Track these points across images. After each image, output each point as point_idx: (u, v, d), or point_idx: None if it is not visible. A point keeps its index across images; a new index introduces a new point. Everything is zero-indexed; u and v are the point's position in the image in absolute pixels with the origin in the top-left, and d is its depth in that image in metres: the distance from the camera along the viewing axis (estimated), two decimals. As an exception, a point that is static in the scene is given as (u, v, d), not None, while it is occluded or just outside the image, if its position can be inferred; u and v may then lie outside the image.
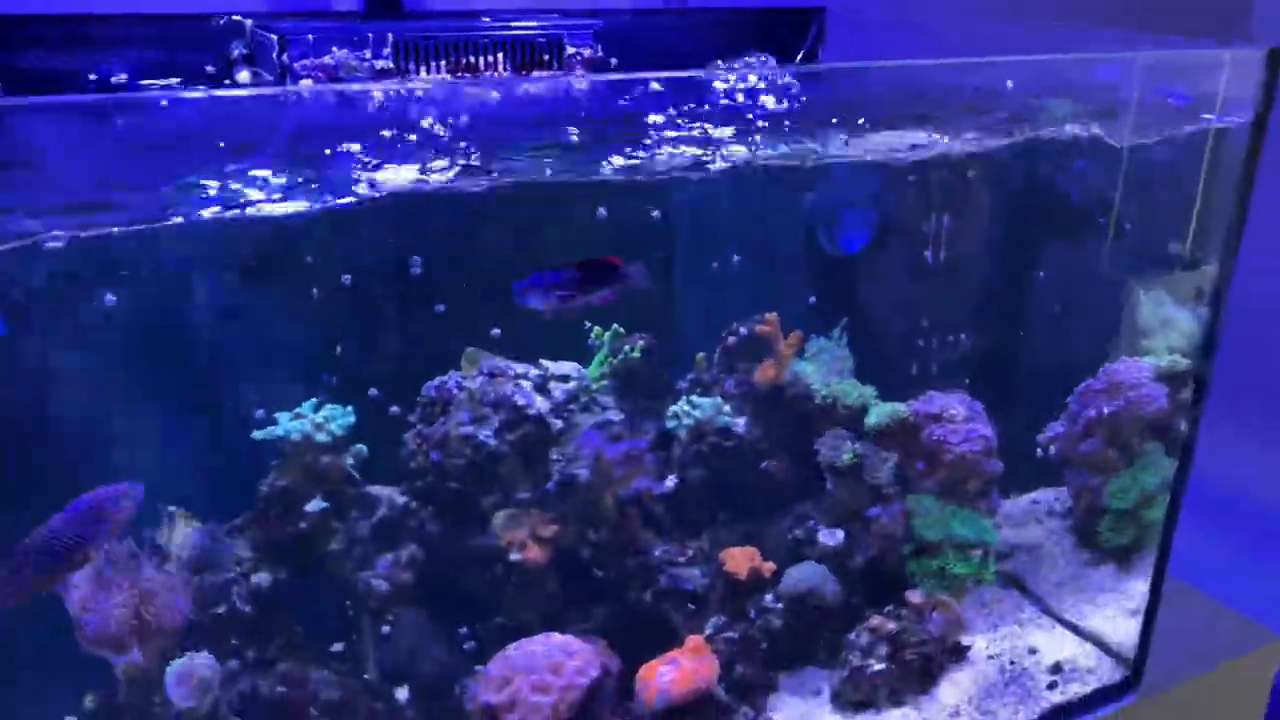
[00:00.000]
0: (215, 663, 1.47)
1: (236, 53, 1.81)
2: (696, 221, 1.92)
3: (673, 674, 1.61)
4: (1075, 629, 2.03)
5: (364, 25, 1.79)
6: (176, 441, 1.59)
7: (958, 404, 1.94)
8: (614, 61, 2.00)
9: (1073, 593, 2.10)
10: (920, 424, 1.92)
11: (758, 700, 1.75)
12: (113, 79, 1.71)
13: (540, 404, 1.54)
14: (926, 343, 2.12)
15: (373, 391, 1.66)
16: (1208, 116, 1.79)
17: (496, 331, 1.73)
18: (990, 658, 1.94)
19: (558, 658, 1.55)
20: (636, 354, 1.76)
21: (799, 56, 2.33)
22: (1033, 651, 1.96)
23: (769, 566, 1.72)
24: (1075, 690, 1.88)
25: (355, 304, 1.66)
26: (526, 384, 1.55)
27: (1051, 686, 1.88)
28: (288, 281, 1.67)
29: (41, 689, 1.50)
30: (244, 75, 1.81)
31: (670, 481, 1.64)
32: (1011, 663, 1.94)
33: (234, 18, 1.79)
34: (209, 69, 1.79)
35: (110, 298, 1.54)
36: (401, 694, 1.61)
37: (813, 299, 2.08)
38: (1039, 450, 2.14)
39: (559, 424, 1.58)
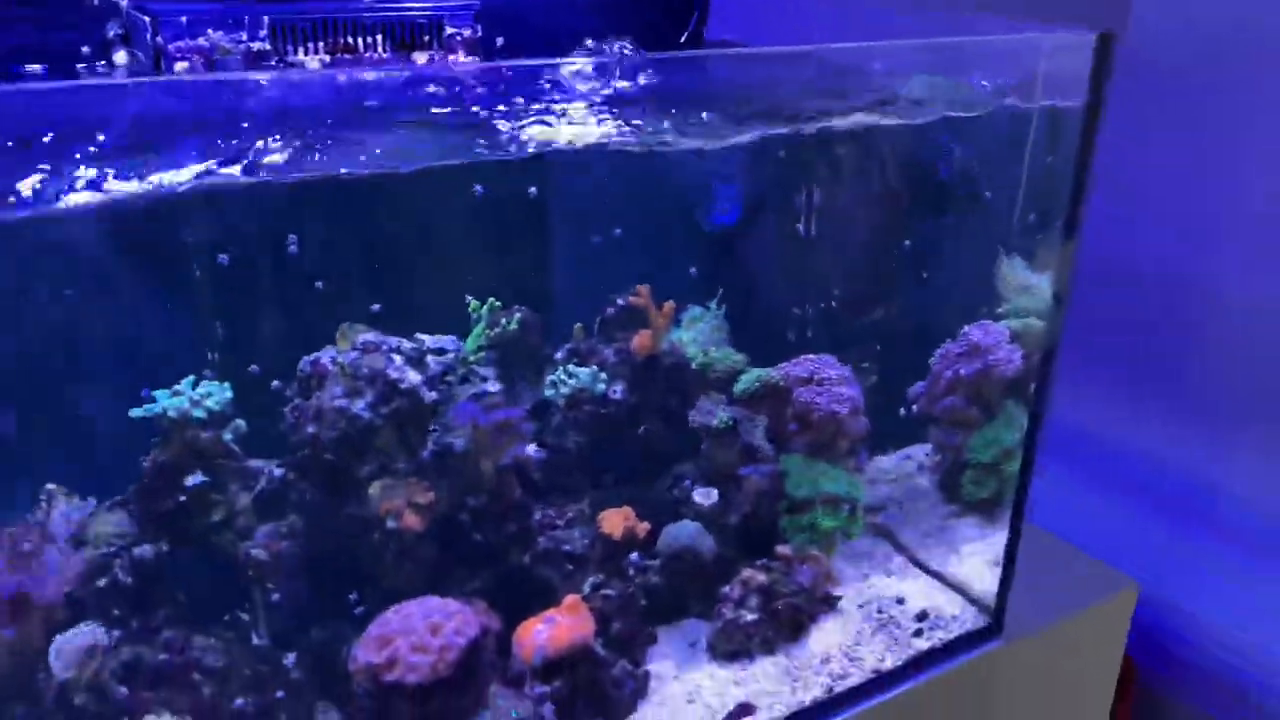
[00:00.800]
0: (100, 633, 1.49)
1: (112, 33, 1.79)
2: (573, 199, 1.96)
3: (549, 631, 1.67)
4: (940, 578, 2.13)
5: (240, 7, 1.78)
6: (58, 423, 1.60)
7: (826, 367, 2.02)
8: (500, 41, 2.03)
9: (938, 544, 2.20)
10: (790, 386, 2.00)
11: (637, 653, 1.83)
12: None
13: (413, 376, 1.57)
14: (800, 311, 2.20)
15: (253, 368, 1.68)
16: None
17: (376, 307, 1.75)
18: (860, 607, 2.04)
19: (436, 619, 1.60)
20: (514, 326, 1.80)
21: (683, 37, 2.37)
22: (900, 601, 2.06)
23: (643, 526, 1.78)
24: (940, 636, 1.98)
25: (234, 284, 1.68)
26: (399, 358, 1.58)
27: (918, 634, 1.98)
28: (167, 263, 1.68)
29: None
30: (120, 56, 1.80)
31: (532, 449, 1.68)
32: (880, 611, 2.03)
33: (111, -2, 1.78)
34: (84, 49, 1.78)
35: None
36: (288, 659, 1.64)
37: (693, 270, 2.14)
38: (902, 409, 2.23)
39: (433, 395, 1.62)
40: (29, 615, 1.45)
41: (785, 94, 2.06)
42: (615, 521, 1.77)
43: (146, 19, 1.71)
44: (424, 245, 1.87)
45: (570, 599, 1.69)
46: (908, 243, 2.21)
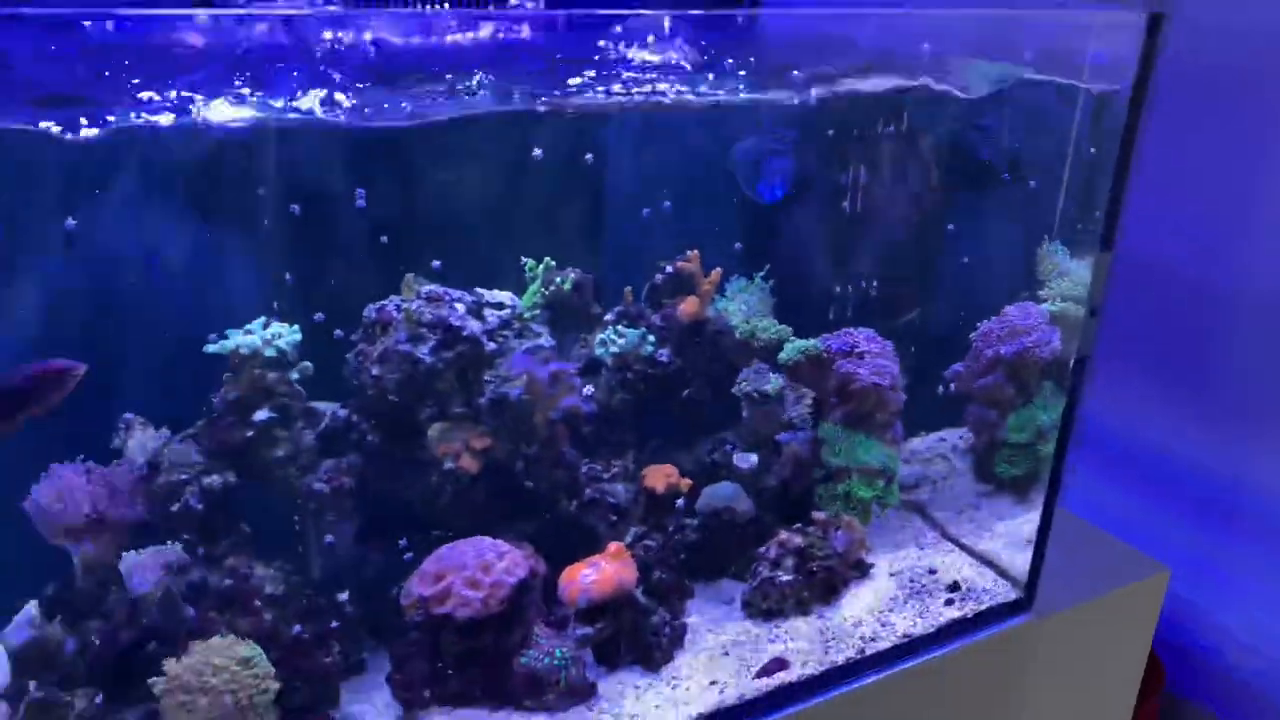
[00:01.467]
0: (172, 553, 1.56)
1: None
2: (630, 166, 2.02)
3: (595, 575, 1.72)
4: (972, 553, 2.16)
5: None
6: (136, 355, 1.68)
7: (866, 341, 2.06)
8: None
9: (971, 521, 2.23)
10: (832, 358, 2.04)
11: (675, 605, 1.87)
12: None
13: (474, 325, 1.63)
14: (846, 286, 2.24)
15: (319, 315, 1.74)
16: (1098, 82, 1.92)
17: (437, 263, 1.81)
18: (892, 575, 2.07)
19: (488, 557, 1.65)
20: (567, 286, 1.86)
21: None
22: (932, 571, 2.09)
23: (685, 482, 1.83)
24: (971, 608, 2.01)
25: (304, 233, 1.75)
26: (461, 307, 1.64)
27: (949, 604, 2.01)
28: (241, 210, 1.75)
29: (8, 579, 1.58)
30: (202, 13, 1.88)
31: (588, 391, 1.73)
32: (911, 580, 2.07)
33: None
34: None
35: (71, 221, 1.62)
36: (343, 593, 1.70)
37: (739, 245, 2.19)
38: (940, 387, 2.26)
39: (492, 346, 1.67)
40: (104, 533, 1.52)
41: (830, 60, 2.11)
42: (658, 477, 1.82)
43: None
44: (484, 202, 1.93)
45: (615, 546, 1.74)
46: (951, 223, 2.25)
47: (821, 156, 2.15)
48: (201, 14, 1.39)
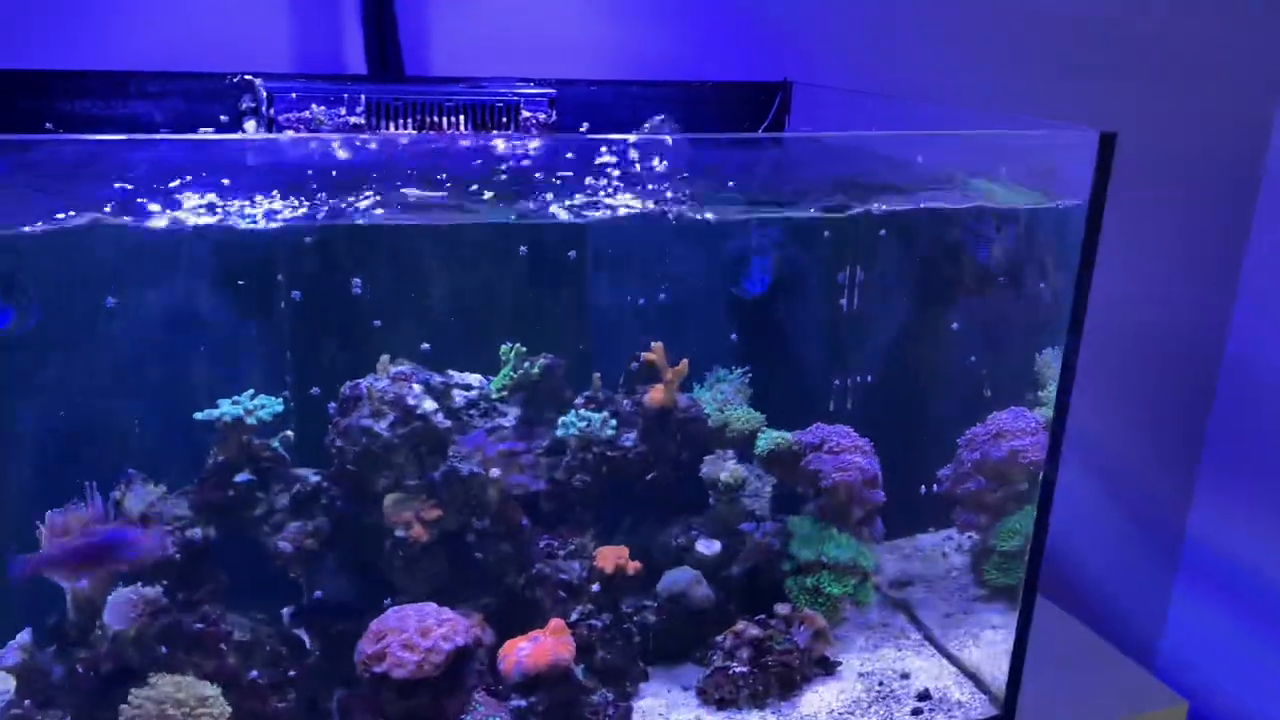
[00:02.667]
0: (152, 595, 1.73)
1: (245, 105, 2.12)
2: (613, 263, 2.12)
3: (531, 649, 1.78)
4: (954, 660, 2.09)
5: (341, 86, 2.07)
6: (147, 421, 1.89)
7: (840, 436, 2.05)
8: (584, 126, 2.24)
9: (958, 626, 2.15)
10: (802, 452, 2.04)
11: (626, 686, 1.90)
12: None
13: (428, 405, 1.75)
14: (836, 383, 2.24)
15: (314, 390, 1.91)
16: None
17: (426, 346, 1.96)
18: (861, 676, 2.02)
19: (428, 623, 1.74)
20: (535, 371, 1.96)
21: (762, 128, 2.50)
22: (905, 676, 2.03)
23: (634, 565, 1.86)
24: None
25: (307, 317, 1.93)
26: (418, 388, 1.76)
27: (916, 713, 1.94)
28: (250, 293, 1.95)
29: (17, 607, 1.79)
30: (250, 125, 2.12)
31: (530, 480, 1.82)
32: (881, 684, 2.01)
33: (245, 76, 2.10)
34: (223, 118, 2.11)
35: (110, 299, 1.86)
36: (306, 643, 1.83)
37: (734, 336, 2.24)
38: (928, 489, 2.21)
39: (447, 424, 1.79)
40: (94, 573, 1.71)
41: (828, 176, 2.16)
42: (609, 557, 1.86)
43: (265, 94, 2.03)
44: (477, 293, 2.07)
45: (555, 622, 1.79)
46: (943, 325, 2.22)
47: (816, 260, 2.19)
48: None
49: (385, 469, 1.77)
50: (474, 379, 1.90)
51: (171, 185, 1.77)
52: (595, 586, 1.89)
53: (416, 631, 1.73)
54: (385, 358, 1.83)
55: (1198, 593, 2.85)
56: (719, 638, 1.94)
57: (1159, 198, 2.75)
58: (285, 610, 1.91)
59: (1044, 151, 1.91)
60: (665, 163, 1.93)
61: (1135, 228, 2.69)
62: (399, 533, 1.75)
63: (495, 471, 1.77)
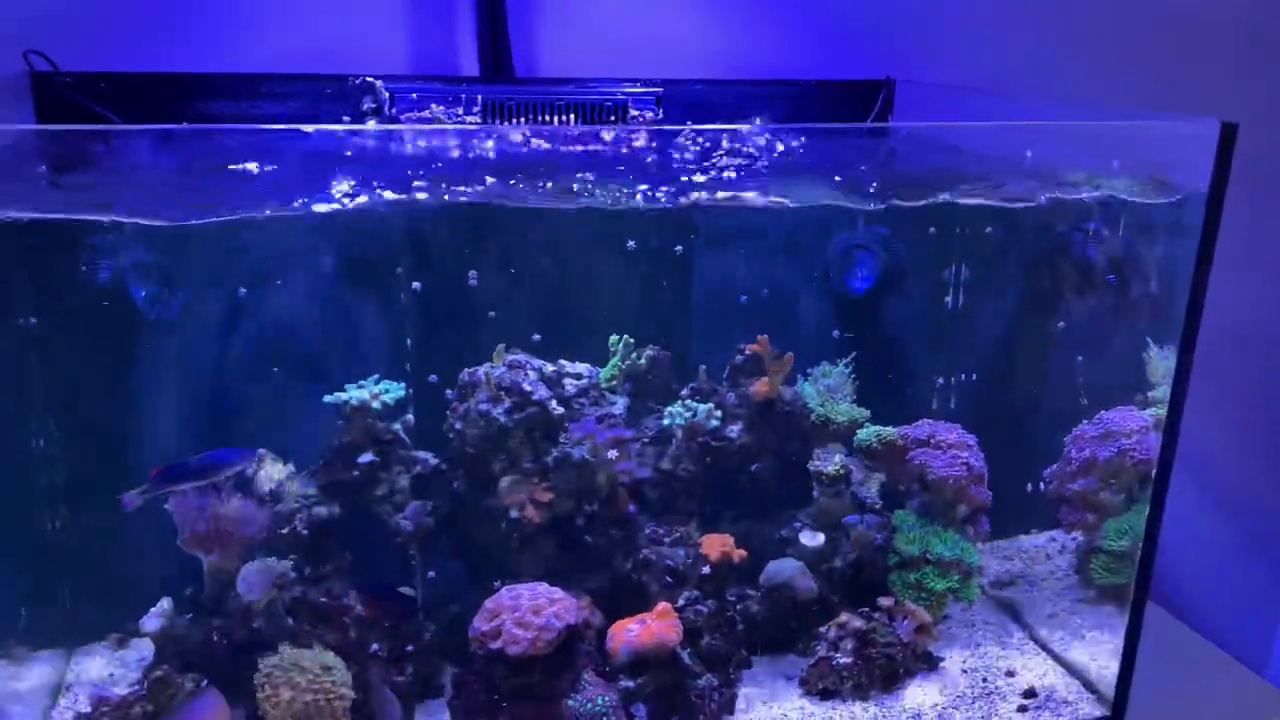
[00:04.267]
0: (280, 568, 1.81)
1: (367, 106, 2.20)
2: (725, 256, 2.14)
3: (639, 630, 1.81)
4: (1060, 660, 2.05)
5: (459, 87, 2.14)
6: (279, 402, 1.98)
7: (948, 432, 2.04)
8: (688, 123, 2.27)
9: (1064, 627, 2.12)
10: (908, 447, 2.04)
11: (728, 673, 1.91)
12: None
13: (543, 391, 1.80)
14: (941, 380, 2.23)
15: (433, 377, 1.97)
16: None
17: (537, 337, 2.01)
18: (965, 672, 2.00)
19: (540, 601, 1.78)
20: (642, 362, 1.99)
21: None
22: (1010, 674, 2.00)
23: (740, 553, 1.88)
24: (1047, 719, 1.92)
25: (427, 307, 2.00)
26: (534, 374, 1.81)
27: (1022, 710, 1.92)
28: (378, 284, 2.03)
29: (158, 579, 1.88)
30: (371, 124, 2.20)
31: (637, 467, 1.84)
32: (984, 680, 1.99)
33: (367, 78, 2.19)
34: (345, 118, 2.20)
35: (241, 290, 1.96)
36: (422, 619, 1.89)
37: (836, 332, 2.24)
38: (1035, 487, 2.18)
39: (560, 410, 1.83)
40: (228, 547, 1.79)
41: (935, 170, 2.15)
42: (714, 545, 1.88)
43: (386, 94, 2.11)
44: (586, 285, 2.12)
45: (662, 605, 1.82)
46: (1052, 323, 2.19)
47: (922, 256, 2.19)
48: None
49: (501, 452, 1.82)
50: (583, 368, 1.94)
51: (311, 179, 1.86)
52: (705, 569, 1.90)
53: (529, 610, 1.77)
54: (501, 346, 1.88)
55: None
56: (822, 629, 1.95)
57: (1274, 196, 2.67)
58: (407, 589, 1.99)
59: (1160, 144, 1.88)
60: (769, 154, 1.96)
61: (1253, 227, 2.61)
62: (513, 514, 1.80)
63: (613, 453, 1.80)
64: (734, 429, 2.00)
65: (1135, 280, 2.15)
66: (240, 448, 1.80)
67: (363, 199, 1.90)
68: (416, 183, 1.91)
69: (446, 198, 1.93)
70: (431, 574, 1.95)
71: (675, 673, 1.81)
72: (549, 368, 1.90)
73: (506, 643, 1.74)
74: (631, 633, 1.80)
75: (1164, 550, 1.89)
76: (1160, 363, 2.11)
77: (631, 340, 2.00)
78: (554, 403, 1.81)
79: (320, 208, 1.89)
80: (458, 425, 1.83)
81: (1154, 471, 1.81)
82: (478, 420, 1.80)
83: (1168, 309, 1.99)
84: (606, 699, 1.77)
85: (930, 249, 2.20)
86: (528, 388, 1.79)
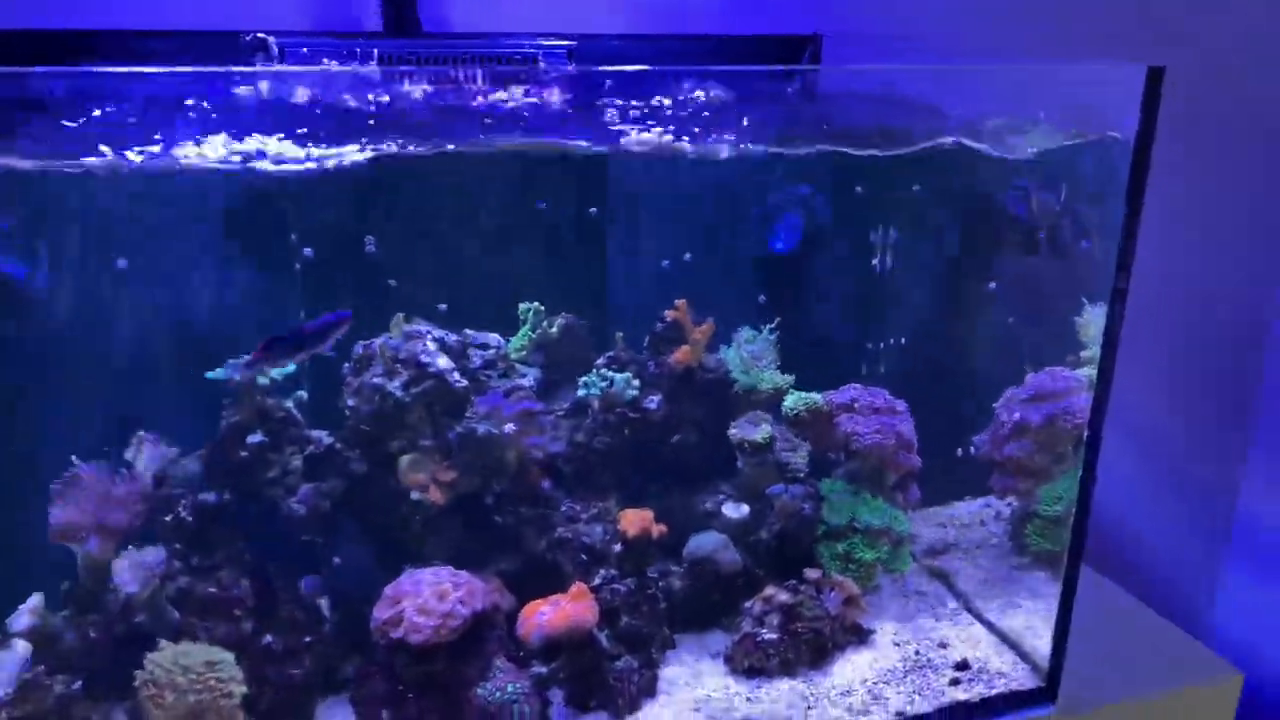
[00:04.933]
0: (160, 557, 1.67)
1: (259, 64, 2.05)
2: (639, 215, 2.02)
3: (551, 613, 1.70)
4: (994, 630, 1.97)
5: (353, 41, 1.99)
6: (161, 380, 1.83)
7: (875, 397, 1.95)
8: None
9: (999, 595, 2.04)
10: (834, 413, 1.94)
11: (651, 653, 1.81)
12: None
13: (441, 363, 1.67)
14: (869, 345, 2.14)
15: (331, 352, 1.83)
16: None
17: (443, 306, 1.88)
18: (897, 645, 1.92)
19: (444, 586, 1.66)
20: (555, 331, 1.87)
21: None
22: (942, 645, 1.92)
23: (659, 528, 1.77)
24: (980, 691, 1.83)
25: (321, 273, 1.86)
26: (432, 345, 1.68)
27: (955, 683, 1.83)
28: (267, 250, 1.88)
29: (34, 575, 1.73)
30: (264, 84, 2.05)
31: (549, 441, 1.73)
32: (917, 653, 1.90)
33: (259, 34, 2.03)
34: (238, 78, 2.04)
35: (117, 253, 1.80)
36: (321, 609, 1.76)
37: (763, 297, 2.14)
38: (965, 452, 2.10)
39: (463, 383, 1.70)
40: (103, 537, 1.65)
41: (860, 117, 2.04)
42: (632, 521, 1.77)
43: (277, 50, 1.95)
44: (496, 251, 1.98)
45: (576, 586, 1.71)
46: (983, 283, 2.11)
47: (847, 215, 2.08)
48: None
49: (399, 430, 1.69)
50: (491, 338, 1.81)
51: (176, 127, 1.71)
52: (617, 547, 1.80)
53: (432, 596, 1.65)
54: (400, 316, 1.75)
55: (1250, 563, 2.71)
56: (747, 604, 1.85)
57: (1206, 159, 2.60)
58: (305, 578, 1.86)
59: (1087, 92, 1.79)
60: (686, 103, 1.84)
61: (1182, 188, 2.54)
62: (414, 495, 1.67)
63: (509, 428, 1.68)
64: (653, 399, 1.89)
65: (1065, 236, 2.07)
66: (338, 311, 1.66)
67: (250, 148, 1.75)
68: (309, 140, 1.78)
69: (341, 153, 1.79)
70: (337, 560, 1.82)
71: (592, 655, 1.71)
72: (452, 338, 1.77)
73: (408, 631, 1.63)
74: (544, 615, 1.69)
75: (1099, 514, 1.82)
76: (1093, 322, 2.04)
77: (543, 308, 1.87)
78: (456, 375, 1.69)
79: (195, 159, 1.74)
80: (351, 401, 1.70)
81: (1085, 434, 1.73)
82: (371, 395, 1.67)
83: (1098, 267, 1.91)
84: (517, 686, 1.66)
85: (855, 208, 2.10)
86: (425, 359, 1.66)
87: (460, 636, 1.64)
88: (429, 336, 1.71)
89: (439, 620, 1.63)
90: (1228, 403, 2.84)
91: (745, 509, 1.89)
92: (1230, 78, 2.48)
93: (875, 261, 2.10)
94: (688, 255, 2.06)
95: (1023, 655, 1.91)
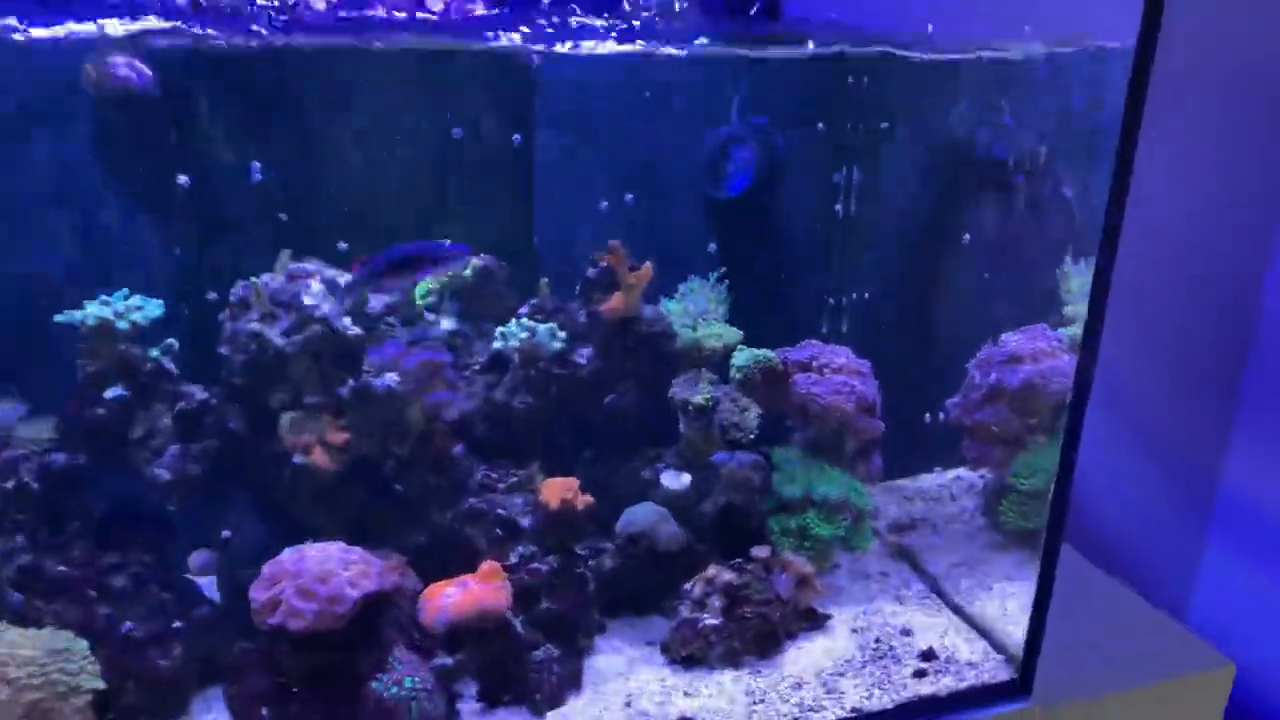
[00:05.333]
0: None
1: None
2: (573, 136, 1.78)
3: (458, 596, 1.47)
4: (963, 615, 1.77)
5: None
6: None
7: (835, 356, 1.73)
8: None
9: (969, 576, 1.84)
10: (789, 372, 1.72)
11: (579, 640, 1.59)
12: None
13: (329, 307, 1.43)
14: (829, 299, 1.91)
15: (212, 295, 1.59)
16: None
17: (344, 245, 1.64)
18: (855, 631, 1.71)
19: (330, 565, 1.43)
20: (469, 273, 1.63)
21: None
22: (906, 633, 1.72)
23: (584, 499, 1.55)
24: (947, 684, 1.63)
25: (202, 205, 1.61)
26: (318, 286, 1.44)
27: (919, 675, 1.63)
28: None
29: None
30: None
31: (462, 399, 1.49)
32: (878, 641, 1.70)
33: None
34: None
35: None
36: (204, 583, 1.53)
37: (713, 245, 1.91)
38: (933, 417, 1.89)
39: (356, 330, 1.47)
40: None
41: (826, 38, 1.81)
42: (555, 491, 1.55)
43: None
44: (405, 182, 1.73)
45: (487, 565, 1.49)
46: (958, 231, 1.89)
47: (807, 153, 1.85)
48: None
49: (280, 383, 1.45)
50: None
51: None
52: (525, 521, 1.57)
53: (315, 577, 1.42)
54: (287, 253, 1.51)
55: (1234, 545, 2.52)
56: (687, 585, 1.63)
57: (1199, 112, 2.39)
58: (195, 553, 1.63)
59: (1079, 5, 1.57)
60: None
61: (1171, 146, 2.33)
62: (296, 459, 1.44)
63: (408, 382, 1.44)
64: (583, 353, 1.66)
65: (1048, 178, 1.86)
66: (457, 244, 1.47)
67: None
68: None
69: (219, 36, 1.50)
70: (227, 533, 1.59)
71: (505, 644, 1.49)
72: (346, 278, 1.52)
73: (286, 616, 1.39)
74: (449, 598, 1.46)
75: (1078, 490, 1.61)
76: (1076, 277, 1.83)
77: (453, 246, 1.63)
78: (346, 321, 1.45)
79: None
80: (224, 350, 1.45)
81: (1069, 399, 1.52)
82: (247, 343, 1.43)
83: (1086, 212, 1.68)
84: (417, 679, 1.43)
85: (817, 145, 1.87)
86: (308, 302, 1.42)
87: (351, 623, 1.42)
88: (317, 277, 1.46)
89: (323, 604, 1.39)
90: (1213, 377, 2.64)
91: (687, 479, 1.66)
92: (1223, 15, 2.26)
93: (838, 205, 1.88)
94: (629, 196, 1.83)
95: (995, 644, 1.71)
